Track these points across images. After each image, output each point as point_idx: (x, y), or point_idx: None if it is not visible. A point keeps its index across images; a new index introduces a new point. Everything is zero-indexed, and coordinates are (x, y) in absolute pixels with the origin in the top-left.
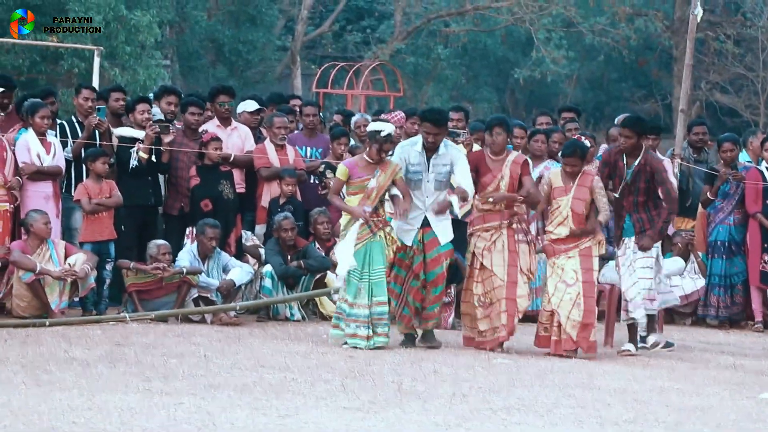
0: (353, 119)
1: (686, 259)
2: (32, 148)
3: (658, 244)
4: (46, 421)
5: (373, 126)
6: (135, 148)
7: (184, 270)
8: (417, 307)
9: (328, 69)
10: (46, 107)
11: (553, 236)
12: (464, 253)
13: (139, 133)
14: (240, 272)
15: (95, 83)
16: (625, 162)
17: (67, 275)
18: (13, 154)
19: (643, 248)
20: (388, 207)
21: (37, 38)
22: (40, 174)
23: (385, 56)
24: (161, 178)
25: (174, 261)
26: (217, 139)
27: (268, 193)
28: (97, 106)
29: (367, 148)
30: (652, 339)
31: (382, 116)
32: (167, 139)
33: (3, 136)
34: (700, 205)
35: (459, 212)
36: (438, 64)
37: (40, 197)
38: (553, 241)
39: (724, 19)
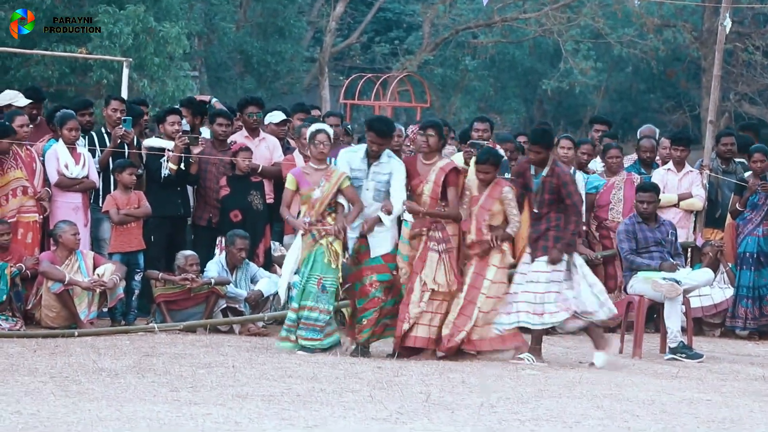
0: None
1: (715, 270)
2: (61, 158)
3: (578, 256)
4: None
5: (312, 128)
6: (165, 158)
7: (213, 281)
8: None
9: (356, 80)
10: (75, 119)
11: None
12: None
13: (168, 144)
14: (268, 283)
15: (124, 94)
16: (533, 172)
17: (95, 286)
18: (42, 165)
19: (553, 261)
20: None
21: (66, 50)
22: (73, 186)
23: (412, 67)
24: (190, 189)
25: (202, 272)
26: (247, 149)
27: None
28: (123, 117)
29: (308, 152)
30: (600, 358)
31: (411, 128)
32: (196, 150)
33: (32, 146)
34: (728, 216)
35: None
36: (466, 75)
37: (69, 208)
38: (468, 246)
39: (752, 30)
